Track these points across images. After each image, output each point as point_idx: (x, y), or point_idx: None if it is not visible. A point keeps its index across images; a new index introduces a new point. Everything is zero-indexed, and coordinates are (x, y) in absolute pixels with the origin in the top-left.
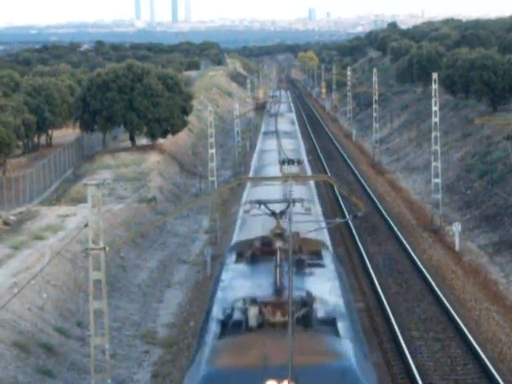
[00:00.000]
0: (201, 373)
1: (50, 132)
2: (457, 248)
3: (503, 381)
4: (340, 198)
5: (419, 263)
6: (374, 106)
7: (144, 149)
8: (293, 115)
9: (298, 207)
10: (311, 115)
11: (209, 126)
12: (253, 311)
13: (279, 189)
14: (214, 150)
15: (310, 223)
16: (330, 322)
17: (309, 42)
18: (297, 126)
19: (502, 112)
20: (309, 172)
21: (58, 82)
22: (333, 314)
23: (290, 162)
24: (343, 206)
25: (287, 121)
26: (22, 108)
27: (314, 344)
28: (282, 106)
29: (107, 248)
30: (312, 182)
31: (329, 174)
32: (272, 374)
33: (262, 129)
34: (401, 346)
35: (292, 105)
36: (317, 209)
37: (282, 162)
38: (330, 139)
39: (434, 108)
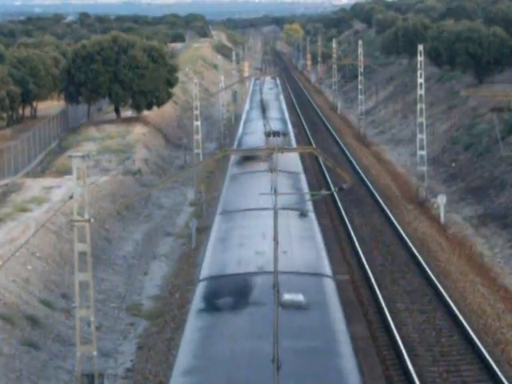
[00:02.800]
0: None
1: (34, 104)
2: (442, 220)
3: (488, 352)
4: (325, 171)
5: (404, 235)
6: (359, 78)
7: (129, 121)
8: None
9: None
10: (297, 87)
11: (194, 98)
12: None
13: None
14: (199, 123)
15: None
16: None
17: (294, 15)
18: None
19: (488, 84)
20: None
21: (42, 53)
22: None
23: (276, 133)
24: (328, 178)
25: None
26: (7, 80)
27: None
28: (273, 119)
29: (92, 220)
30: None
31: (314, 147)
32: None
33: (219, 206)
34: (386, 318)
35: (287, 114)
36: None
37: (268, 134)
38: (316, 111)
39: (420, 80)
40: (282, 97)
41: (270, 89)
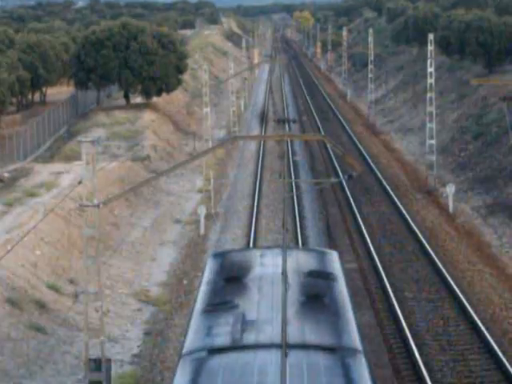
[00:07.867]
0: None
1: (44, 89)
2: (450, 210)
3: (495, 342)
4: (334, 159)
5: (413, 224)
6: (369, 67)
7: (138, 107)
8: None
9: None
10: (306, 75)
11: (203, 84)
12: None
13: None
14: (208, 109)
15: None
16: None
17: (304, 2)
18: None
19: (498, 74)
20: None
21: (52, 39)
22: None
23: (286, 121)
24: (337, 166)
25: None
26: (17, 65)
27: None
28: None
29: (101, 205)
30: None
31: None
32: None
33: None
34: (393, 307)
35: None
36: None
37: (278, 121)
38: (325, 99)
39: (430, 69)
40: None
41: None
